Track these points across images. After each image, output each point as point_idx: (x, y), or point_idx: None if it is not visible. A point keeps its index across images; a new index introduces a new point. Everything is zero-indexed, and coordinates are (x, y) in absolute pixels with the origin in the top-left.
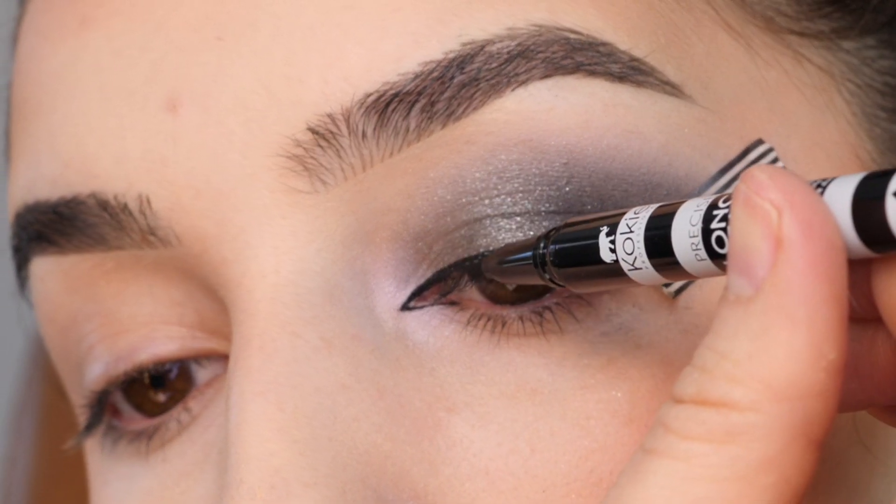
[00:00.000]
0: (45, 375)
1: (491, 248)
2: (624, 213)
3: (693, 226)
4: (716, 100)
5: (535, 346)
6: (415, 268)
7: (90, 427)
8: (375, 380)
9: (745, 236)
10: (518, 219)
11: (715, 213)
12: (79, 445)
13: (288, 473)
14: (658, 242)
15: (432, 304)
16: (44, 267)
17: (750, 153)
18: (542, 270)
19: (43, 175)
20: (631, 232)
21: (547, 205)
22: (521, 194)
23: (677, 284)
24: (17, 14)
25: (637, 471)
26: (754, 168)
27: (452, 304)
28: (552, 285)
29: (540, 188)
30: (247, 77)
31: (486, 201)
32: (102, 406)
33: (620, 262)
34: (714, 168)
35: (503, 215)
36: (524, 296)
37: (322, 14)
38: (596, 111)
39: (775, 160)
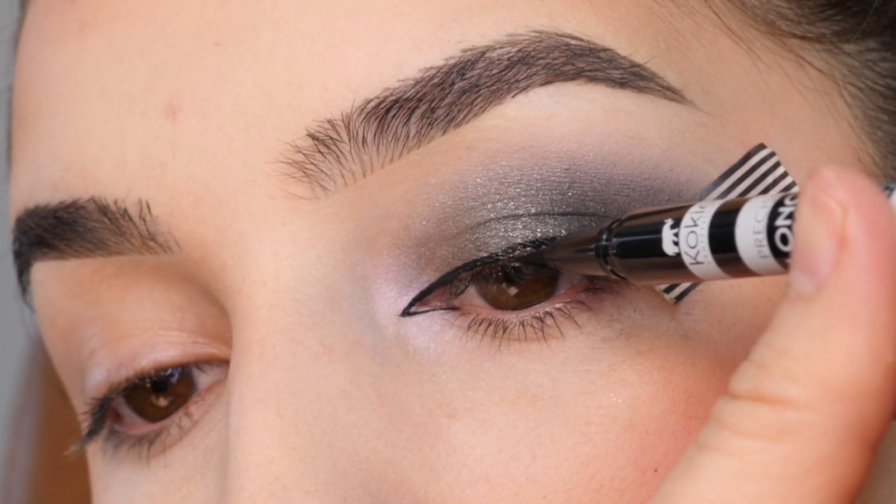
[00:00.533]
0: (45, 376)
1: (504, 249)
2: (689, 207)
3: (758, 222)
4: (717, 104)
5: (536, 352)
6: (418, 273)
7: (91, 433)
8: (376, 386)
9: (810, 234)
10: (524, 219)
11: (781, 210)
12: (80, 451)
13: (288, 481)
14: (722, 237)
15: (433, 310)
16: (45, 272)
17: (751, 158)
18: (604, 261)
19: (43, 179)
20: (695, 226)
21: (550, 207)
22: (523, 199)
23: (678, 290)
24: (19, 16)
25: (690, 466)
26: (822, 166)
27: (454, 309)
28: (613, 277)
29: (542, 193)
30: (247, 83)
31: (489, 206)
32: (104, 412)
33: (683, 256)
34: (716, 173)
35: (508, 217)
36: (526, 301)
37: (323, 20)
38: (597, 117)
39: (776, 165)
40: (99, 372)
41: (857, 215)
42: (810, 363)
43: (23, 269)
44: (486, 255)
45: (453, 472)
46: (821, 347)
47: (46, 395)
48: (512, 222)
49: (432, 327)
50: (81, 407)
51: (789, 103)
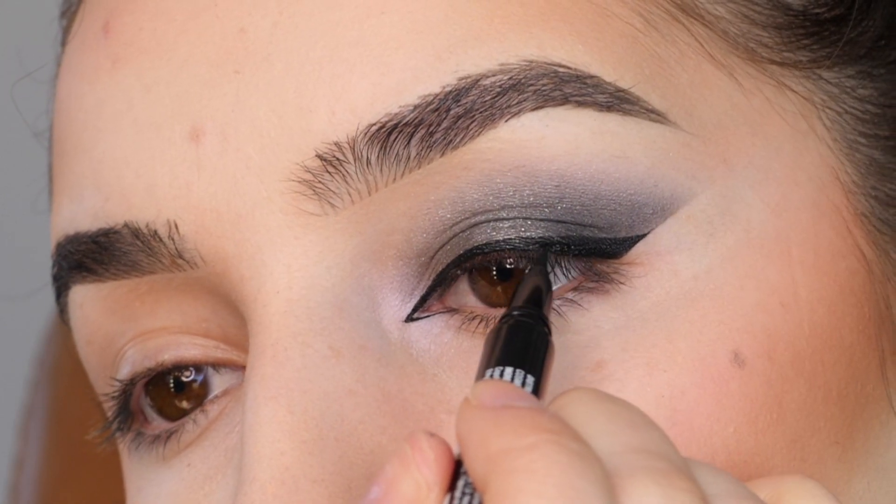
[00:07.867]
0: (53, 379)
1: (487, 245)
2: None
3: None
4: (700, 125)
5: None
6: (418, 281)
7: (116, 418)
8: (381, 386)
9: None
10: (512, 220)
11: None
12: (102, 437)
13: (297, 471)
14: None
15: (434, 314)
16: (83, 294)
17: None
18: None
19: (86, 209)
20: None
21: (541, 214)
22: (516, 211)
23: None
24: (58, 55)
25: None
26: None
27: (452, 311)
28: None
29: (534, 208)
30: (262, 107)
31: (484, 215)
32: (127, 398)
33: None
34: (699, 189)
35: (498, 219)
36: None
37: (330, 50)
38: (584, 139)
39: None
40: (126, 368)
41: None
42: None
43: (61, 292)
44: (471, 247)
45: None
46: None
47: (54, 398)
48: (500, 222)
49: (433, 330)
50: (107, 402)
51: (770, 125)
